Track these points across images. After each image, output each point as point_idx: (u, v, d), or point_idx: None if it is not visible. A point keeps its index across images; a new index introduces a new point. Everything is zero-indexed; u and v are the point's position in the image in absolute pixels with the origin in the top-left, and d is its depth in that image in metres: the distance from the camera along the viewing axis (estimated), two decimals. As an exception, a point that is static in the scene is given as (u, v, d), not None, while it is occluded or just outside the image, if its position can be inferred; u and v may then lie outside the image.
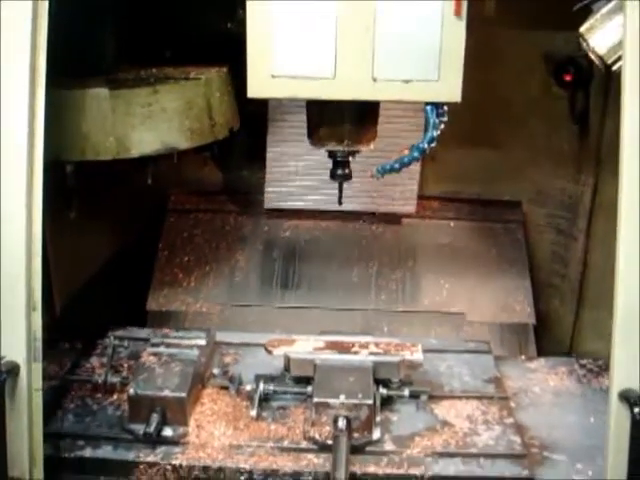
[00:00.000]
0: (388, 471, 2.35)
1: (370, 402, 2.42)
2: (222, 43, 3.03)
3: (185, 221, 3.85)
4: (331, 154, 2.60)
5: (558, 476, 2.38)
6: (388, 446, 2.44)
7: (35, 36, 2.05)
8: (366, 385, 2.49)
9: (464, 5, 2.24)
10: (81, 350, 2.94)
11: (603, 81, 3.44)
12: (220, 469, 2.36)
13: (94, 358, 2.87)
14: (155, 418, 2.41)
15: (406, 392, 2.60)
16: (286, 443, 2.44)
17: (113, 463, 2.38)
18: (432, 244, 3.78)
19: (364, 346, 2.66)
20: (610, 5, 2.38)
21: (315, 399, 2.44)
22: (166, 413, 2.44)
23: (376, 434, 2.45)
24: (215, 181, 3.99)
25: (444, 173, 3.84)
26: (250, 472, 2.35)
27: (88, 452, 2.40)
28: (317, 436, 2.42)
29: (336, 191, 2.71)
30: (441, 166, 3.77)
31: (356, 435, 2.40)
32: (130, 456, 2.39)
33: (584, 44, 2.45)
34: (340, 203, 2.73)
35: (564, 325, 3.89)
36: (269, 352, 2.66)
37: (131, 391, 2.46)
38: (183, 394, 2.45)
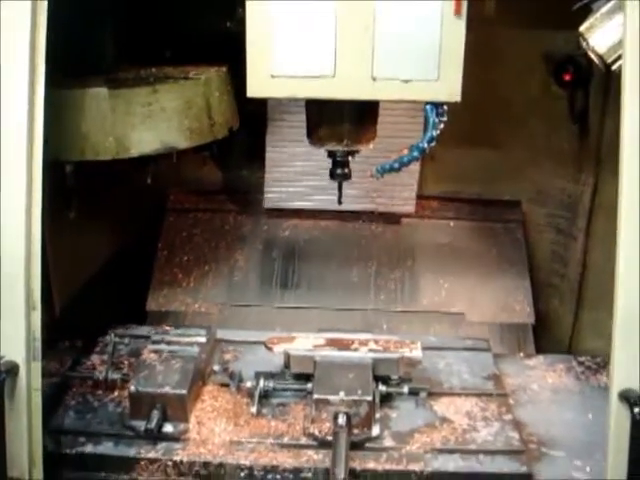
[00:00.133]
0: (387, 467, 2.37)
1: (370, 399, 2.45)
2: (221, 43, 3.04)
3: (184, 220, 3.85)
4: (330, 154, 2.62)
5: (556, 472, 2.41)
6: (387, 442, 2.46)
7: (34, 36, 2.06)
8: (366, 382, 2.51)
9: (464, 5, 2.25)
10: (81, 348, 2.96)
11: (603, 80, 3.43)
12: (221, 465, 2.38)
13: (95, 355, 2.89)
14: (156, 414, 2.43)
15: (405, 389, 2.62)
16: (286, 439, 2.46)
17: (114, 459, 2.40)
18: (431, 244, 3.79)
19: (364, 343, 2.69)
20: (610, 4, 2.39)
21: (315, 396, 2.47)
22: (167, 410, 2.47)
23: (375, 430, 2.47)
24: (214, 181, 3.99)
25: (444, 173, 3.84)
26: (250, 468, 2.37)
27: (89, 448, 2.43)
28: (317, 432, 2.44)
29: (336, 191, 2.70)
30: (441, 166, 3.77)
31: (356, 431, 2.43)
32: (131, 452, 2.41)
33: (584, 43, 2.45)
34: (340, 203, 2.75)
35: (563, 325, 3.88)
36: (269, 349, 2.68)
37: (132, 388, 2.48)
38: (184, 391, 2.47)
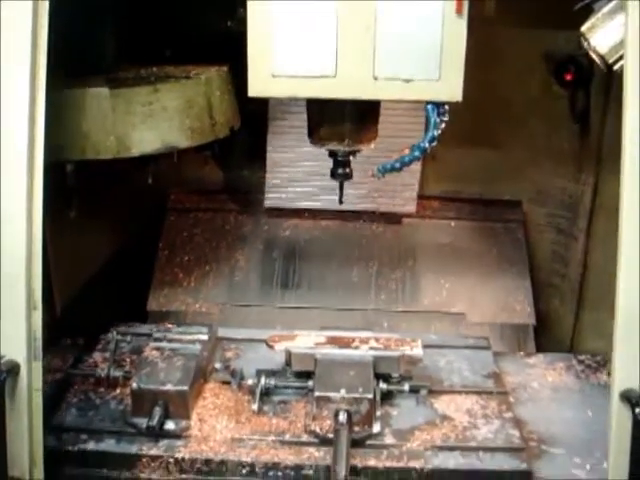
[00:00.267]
0: (388, 464, 2.39)
1: (370, 396, 2.46)
2: (222, 42, 3.04)
3: (185, 220, 3.86)
4: (332, 153, 2.61)
5: (556, 469, 2.43)
6: (388, 440, 2.48)
7: (36, 35, 2.06)
8: (366, 379, 2.53)
9: (465, 4, 2.25)
10: (83, 345, 2.98)
11: (604, 80, 3.43)
12: (222, 462, 2.39)
13: (97, 353, 2.91)
14: (158, 412, 2.44)
15: (406, 387, 2.64)
16: (287, 437, 2.48)
17: (116, 456, 2.42)
18: (432, 244, 3.80)
19: (364, 341, 2.70)
20: (611, 4, 2.38)
21: (316, 393, 2.49)
22: (169, 407, 2.48)
23: (376, 428, 2.49)
24: (215, 180, 4.00)
25: (444, 172, 3.84)
26: (252, 465, 2.39)
27: (91, 445, 2.44)
28: (318, 430, 2.46)
29: (337, 190, 2.70)
30: (441, 165, 3.77)
31: (357, 429, 2.44)
32: (133, 449, 2.43)
33: (585, 43, 2.44)
34: (341, 202, 2.74)
35: (564, 325, 3.89)
36: (270, 347, 2.70)
37: (134, 385, 2.50)
38: (185, 388, 2.49)
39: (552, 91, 3.65)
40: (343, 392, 2.46)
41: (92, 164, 2.77)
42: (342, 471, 2.19)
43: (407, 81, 2.31)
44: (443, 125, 2.42)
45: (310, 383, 2.59)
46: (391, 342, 2.70)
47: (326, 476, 2.34)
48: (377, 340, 2.71)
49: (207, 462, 2.39)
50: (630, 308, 2.06)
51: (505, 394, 2.74)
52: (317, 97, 2.39)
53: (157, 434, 2.44)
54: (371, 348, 2.66)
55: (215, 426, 2.51)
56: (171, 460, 2.39)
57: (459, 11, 2.25)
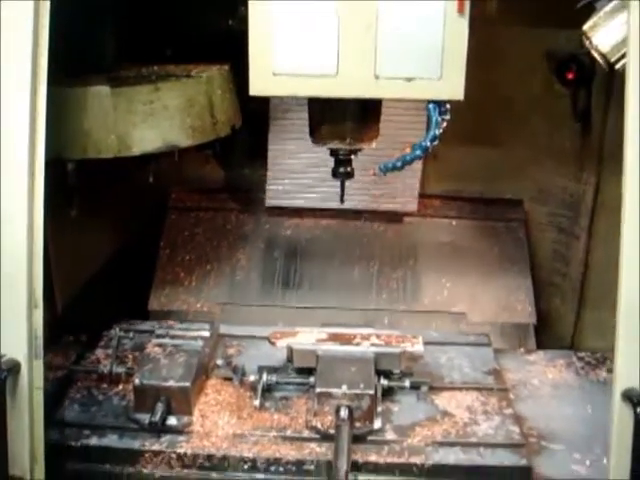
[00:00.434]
0: (389, 460, 2.40)
1: (372, 392, 2.48)
2: (224, 41, 3.05)
3: (186, 219, 3.86)
4: (333, 152, 2.60)
5: (556, 465, 2.45)
6: (389, 435, 2.50)
7: (37, 35, 2.07)
8: (368, 376, 2.55)
9: (467, 3, 2.26)
10: (86, 342, 3.00)
11: (605, 79, 3.45)
12: (224, 457, 2.41)
13: (99, 350, 2.93)
14: (160, 407, 2.47)
15: (407, 383, 2.66)
16: (289, 432, 2.50)
17: (119, 451, 2.44)
18: (433, 243, 3.81)
19: (366, 338, 2.73)
20: (613, 3, 2.38)
21: (317, 389, 2.51)
22: (171, 403, 2.51)
23: (377, 424, 2.51)
24: (217, 179, 4.00)
25: (446, 171, 3.85)
26: (253, 460, 2.41)
27: (94, 441, 2.47)
28: (319, 425, 2.48)
29: (338, 189, 2.70)
30: (443, 164, 3.78)
31: (358, 424, 2.46)
32: (135, 444, 2.45)
33: (587, 42, 2.44)
34: (342, 201, 2.74)
35: (565, 324, 3.90)
36: (272, 343, 2.72)
37: (136, 381, 2.52)
38: (187, 384, 2.52)
39: (554, 90, 3.66)
40: (344, 388, 2.48)
41: (93, 163, 2.78)
42: (343, 466, 2.21)
43: (408, 80, 2.32)
44: (444, 124, 2.43)
45: (312, 379, 2.61)
46: (392, 339, 2.73)
47: (327, 471, 2.36)
48: (378, 337, 2.73)
49: (209, 457, 2.41)
50: (632, 307, 2.06)
51: (505, 391, 2.75)
52: (318, 96, 2.39)
53: (159, 430, 2.46)
54: (372, 345, 2.69)
55: (217, 422, 2.53)
56: (173, 455, 2.41)
57: (460, 10, 2.25)
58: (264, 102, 3.50)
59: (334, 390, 2.48)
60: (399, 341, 2.71)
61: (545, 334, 3.70)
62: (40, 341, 2.12)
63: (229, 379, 2.71)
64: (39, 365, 2.13)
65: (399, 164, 2.56)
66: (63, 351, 2.92)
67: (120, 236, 3.79)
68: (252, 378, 2.65)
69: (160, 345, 2.71)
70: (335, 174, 2.66)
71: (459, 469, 2.38)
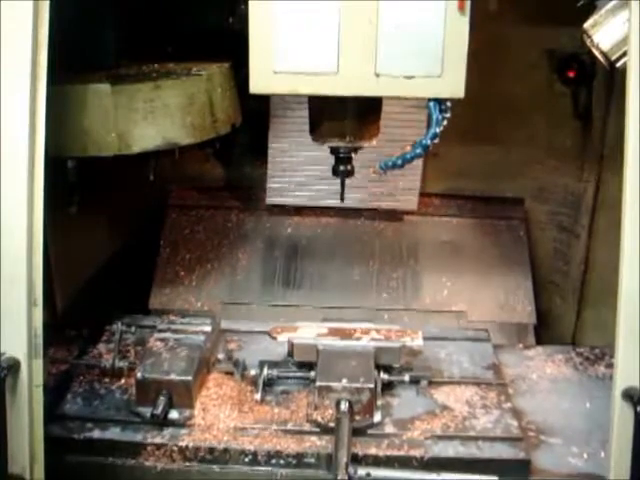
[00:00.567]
0: (389, 453, 2.44)
1: (371, 386, 2.52)
2: (224, 39, 3.06)
3: (187, 218, 3.88)
4: (333, 150, 2.61)
5: (554, 458, 2.48)
6: (389, 429, 2.53)
7: (36, 31, 2.08)
8: (367, 370, 2.59)
9: (467, 1, 2.25)
10: (88, 337, 3.03)
11: (606, 77, 3.46)
12: (225, 450, 2.45)
13: (101, 344, 2.96)
14: (162, 401, 2.50)
15: (406, 377, 2.70)
16: (290, 426, 2.54)
17: (121, 444, 2.47)
18: (434, 241, 3.83)
19: (366, 332, 2.77)
20: (614, 1, 2.39)
21: (318, 383, 2.54)
22: (173, 396, 2.54)
23: (377, 417, 2.55)
24: (217, 177, 4.02)
25: (446, 170, 3.87)
26: (254, 453, 2.44)
27: (96, 434, 2.50)
28: (320, 419, 2.51)
29: (338, 187, 2.70)
30: (443, 163, 3.80)
31: (358, 418, 2.50)
32: (138, 437, 2.48)
33: (588, 40, 2.46)
34: (342, 199, 2.75)
35: (565, 323, 3.92)
36: (273, 338, 2.77)
37: (139, 375, 2.56)
38: (189, 377, 2.55)
39: (555, 88, 3.68)
40: (344, 382, 2.51)
41: (93, 161, 2.78)
42: (343, 459, 2.25)
43: (409, 78, 2.33)
44: (445, 122, 2.43)
45: (312, 373, 2.65)
46: (392, 333, 2.77)
47: (328, 464, 2.39)
48: (378, 331, 2.78)
49: (210, 450, 2.44)
50: (632, 306, 2.08)
51: (504, 385, 2.79)
52: (319, 94, 2.40)
53: (161, 423, 2.50)
54: (372, 339, 2.73)
55: (218, 415, 2.56)
56: (175, 448, 2.44)
57: (461, 8, 2.26)
58: (264, 100, 3.51)
59: (334, 384, 2.51)
60: (399, 336, 2.75)
61: (546, 333, 3.73)
62: (40, 339, 2.13)
63: (230, 373, 2.74)
64: (39, 363, 2.14)
65: (399, 162, 2.57)
66: (65, 346, 2.95)
67: (120, 234, 3.80)
68: (253, 372, 2.69)
69: (162, 339, 2.75)
70: (335, 172, 2.68)
71: (458, 462, 2.41)
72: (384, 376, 2.67)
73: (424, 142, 2.49)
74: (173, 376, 2.54)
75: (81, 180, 2.91)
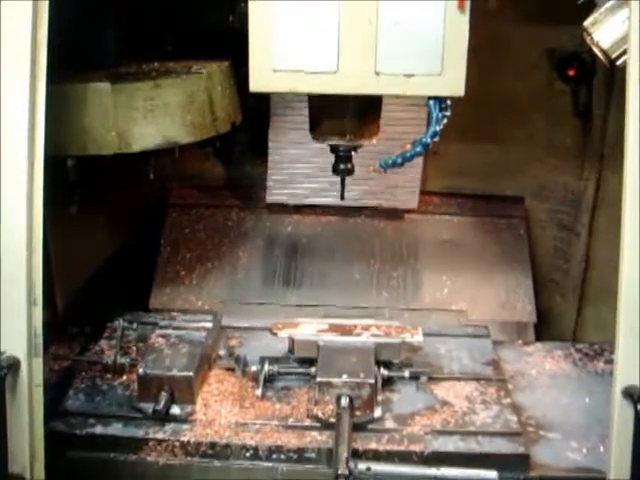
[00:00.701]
0: (389, 447, 2.47)
1: (372, 381, 2.56)
2: (224, 37, 3.06)
3: (187, 217, 3.89)
4: (333, 149, 2.62)
5: (553, 453, 2.51)
6: (389, 424, 2.57)
7: (36, 30, 2.10)
8: (368, 365, 2.63)
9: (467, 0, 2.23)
10: (90, 334, 3.05)
11: (606, 75, 3.47)
12: (227, 445, 2.48)
13: (103, 341, 2.98)
14: (164, 397, 2.54)
15: (406, 373, 2.73)
16: (290, 421, 2.57)
17: (123, 440, 2.51)
18: (434, 240, 3.85)
19: (366, 329, 2.80)
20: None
21: (318, 379, 2.58)
22: (174, 392, 2.57)
23: (377, 412, 2.58)
24: (217, 176, 4.03)
25: (446, 168, 3.89)
26: (255, 448, 2.47)
27: (99, 429, 2.53)
28: (320, 414, 2.55)
29: (338, 186, 2.70)
30: (443, 161, 3.81)
31: (358, 413, 2.53)
32: (140, 433, 2.52)
33: (588, 38, 2.46)
34: (342, 198, 2.76)
35: (566, 321, 3.94)
36: (274, 334, 2.80)
37: (140, 371, 2.59)
38: (191, 373, 2.58)
39: (555, 87, 3.70)
40: (345, 378, 2.55)
41: (93, 159, 2.79)
42: (344, 454, 2.27)
43: (409, 76, 2.34)
44: (445, 120, 2.44)
45: (313, 369, 2.69)
46: (392, 329, 2.80)
47: (328, 459, 2.42)
48: (378, 327, 2.80)
49: (212, 445, 2.48)
50: (632, 304, 2.09)
51: (504, 381, 2.82)
52: (319, 92, 2.41)
53: (163, 418, 2.53)
54: (372, 335, 2.76)
55: (220, 411, 2.59)
56: (177, 443, 2.48)
57: (461, 6, 2.27)
58: (264, 99, 3.51)
59: (335, 380, 2.55)
60: (399, 332, 2.78)
61: (546, 331, 3.75)
62: (40, 339, 2.15)
63: (231, 369, 2.77)
64: (38, 362, 2.16)
65: (399, 160, 2.59)
66: (67, 343, 2.98)
67: (120, 234, 3.81)
68: (254, 368, 2.72)
69: (163, 336, 2.78)
70: (335, 171, 2.69)
71: (458, 457, 2.44)
72: (384, 372, 2.70)
73: (424, 140, 2.50)
74: (175, 372, 2.58)
75: (81, 179, 2.91)
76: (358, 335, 2.75)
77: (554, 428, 2.61)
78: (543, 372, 2.93)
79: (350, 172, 2.69)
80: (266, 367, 2.70)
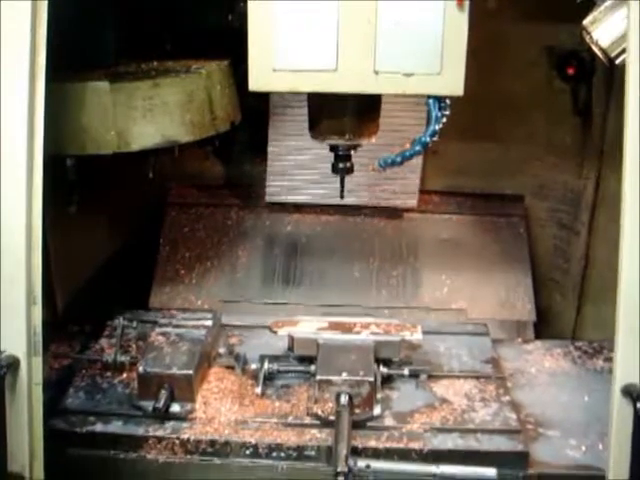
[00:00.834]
0: (388, 445, 2.48)
1: (371, 379, 2.57)
2: (223, 36, 3.06)
3: (186, 216, 3.90)
4: (333, 148, 2.62)
5: (552, 451, 2.52)
6: (388, 422, 2.58)
7: (35, 29, 2.10)
8: (367, 363, 2.64)
9: (467, -3, 2.24)
10: (90, 332, 3.07)
11: (606, 74, 3.48)
12: (226, 443, 2.50)
13: (103, 339, 2.99)
14: (164, 394, 2.55)
15: (406, 371, 2.74)
16: (290, 419, 2.58)
17: (123, 438, 2.52)
18: (434, 239, 3.85)
19: (365, 326, 2.82)
20: (613, -2, 2.38)
21: (318, 377, 2.59)
22: (174, 390, 2.59)
23: (377, 410, 2.59)
24: (216, 175, 4.04)
25: (446, 167, 3.89)
26: (255, 446, 2.49)
27: (99, 427, 2.55)
28: (320, 412, 2.56)
29: (337, 185, 2.71)
30: (443, 160, 3.81)
31: (357, 411, 2.54)
32: (139, 431, 2.53)
33: (587, 37, 2.46)
34: (342, 197, 2.77)
35: (565, 320, 3.95)
36: (274, 332, 2.82)
37: (140, 369, 2.61)
38: (190, 371, 2.60)
39: (554, 85, 3.70)
40: (344, 375, 2.55)
41: (93, 159, 2.79)
42: (343, 451, 2.28)
43: (408, 75, 2.34)
44: (444, 119, 2.44)
45: (312, 367, 2.69)
46: (391, 327, 2.81)
47: (328, 457, 2.43)
48: (378, 325, 2.82)
49: (212, 443, 2.49)
50: (631, 303, 2.10)
51: (503, 379, 2.83)
52: (318, 91, 2.40)
53: (163, 416, 2.54)
54: (372, 333, 2.77)
55: (219, 409, 2.61)
56: (177, 441, 2.49)
57: (460, 5, 2.26)
58: (264, 98, 3.52)
59: (334, 377, 2.56)
60: (398, 330, 2.80)
61: (546, 330, 3.76)
62: (39, 337, 2.15)
63: (231, 367, 2.78)
64: (38, 361, 2.16)
65: (398, 159, 2.59)
66: (68, 341, 3.00)
67: (120, 233, 3.82)
68: (254, 366, 2.73)
69: (163, 334, 2.79)
70: (335, 169, 2.69)
71: (457, 454, 2.44)
72: (384, 370, 2.71)
73: (423, 139, 2.50)
74: (175, 370, 2.59)
75: (80, 178, 2.91)
76: (358, 333, 2.77)
77: (553, 426, 2.63)
78: (542, 370, 2.95)
79: (349, 171, 2.69)
80: (266, 365, 2.71)
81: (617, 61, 2.39)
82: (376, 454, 2.44)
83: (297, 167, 3.76)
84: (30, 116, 2.10)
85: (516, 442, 2.49)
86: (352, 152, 2.65)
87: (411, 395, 2.70)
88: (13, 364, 2.09)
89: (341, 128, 2.56)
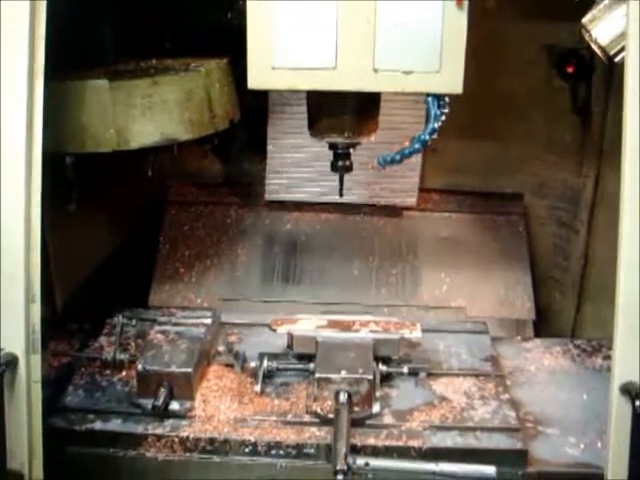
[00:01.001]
0: (387, 443, 2.49)
1: (370, 377, 2.57)
2: (222, 34, 3.07)
3: (186, 214, 3.90)
4: (332, 146, 2.62)
5: (551, 448, 2.53)
6: (387, 420, 2.58)
7: (34, 27, 2.10)
8: (366, 361, 2.64)
9: (466, -4, 2.25)
10: (89, 331, 3.08)
11: (605, 72, 3.48)
12: (225, 441, 2.50)
13: (102, 337, 3.00)
14: (163, 392, 2.55)
15: (405, 369, 2.75)
16: (289, 417, 2.59)
17: (122, 436, 2.52)
18: (433, 237, 3.85)
19: (364, 324, 2.83)
20: (612, -4, 2.38)
21: (317, 374, 2.59)
22: (173, 388, 2.59)
23: (376, 408, 2.59)
24: (216, 173, 4.04)
25: (445, 165, 3.88)
26: (254, 444, 2.49)
27: (98, 425, 2.55)
28: (319, 410, 2.57)
29: (337, 183, 2.71)
30: (442, 158, 3.81)
31: (357, 409, 2.54)
32: (139, 429, 2.54)
33: (586, 35, 2.47)
34: (341, 195, 2.77)
35: (565, 318, 3.95)
36: (273, 330, 2.84)
37: (139, 367, 2.61)
38: (190, 369, 2.60)
39: (553, 84, 3.71)
40: (344, 373, 2.56)
41: (92, 157, 2.79)
42: (342, 449, 2.28)
43: (407, 73, 2.33)
44: (443, 117, 2.44)
45: (311, 365, 2.69)
46: (390, 325, 2.83)
47: (327, 455, 2.44)
48: (377, 323, 2.83)
49: (211, 441, 2.49)
50: (630, 301, 2.10)
51: (502, 377, 2.83)
52: (317, 89, 2.40)
53: (162, 414, 2.55)
54: (371, 331, 2.78)
55: (219, 407, 2.61)
56: (176, 439, 2.49)
57: (459, 3, 2.25)
58: (263, 96, 3.52)
59: (333, 375, 2.56)
60: (397, 328, 2.81)
61: (545, 328, 3.76)
62: (38, 335, 2.15)
63: (230, 365, 2.79)
64: (37, 359, 2.17)
65: (398, 157, 2.57)
66: (67, 339, 3.01)
67: (119, 231, 3.82)
68: (253, 364, 2.74)
69: (163, 332, 2.79)
70: (334, 168, 2.68)
71: (456, 452, 2.45)
72: (383, 368, 2.71)
73: (422, 137, 2.49)
74: (174, 368, 2.59)
75: (79, 176, 2.91)
76: (357, 331, 2.78)
77: (552, 424, 2.63)
78: (541, 368, 2.95)
79: (349, 169, 2.67)
80: (265, 363, 2.71)
81: (616, 59, 2.40)
82: (375, 452, 2.44)
83: (296, 165, 3.76)
84: (29, 114, 2.09)
85: (515, 440, 2.49)
86: (351, 150, 2.64)
87: (410, 393, 2.70)
88: (12, 362, 2.09)
89: (340, 126, 2.55)
